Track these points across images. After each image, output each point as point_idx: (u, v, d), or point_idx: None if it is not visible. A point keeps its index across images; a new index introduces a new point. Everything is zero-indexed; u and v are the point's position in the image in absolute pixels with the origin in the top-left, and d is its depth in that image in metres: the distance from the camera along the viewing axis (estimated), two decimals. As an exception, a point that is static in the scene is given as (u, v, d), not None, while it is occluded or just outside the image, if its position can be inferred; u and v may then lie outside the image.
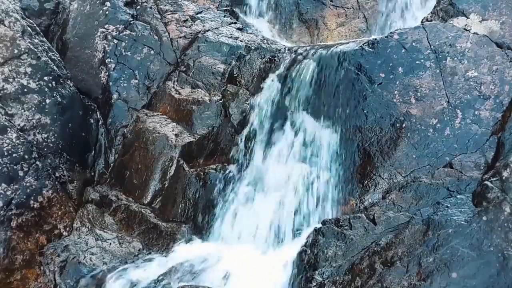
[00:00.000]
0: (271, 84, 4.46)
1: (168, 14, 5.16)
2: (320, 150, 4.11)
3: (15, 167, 4.11)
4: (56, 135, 4.40)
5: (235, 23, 5.29)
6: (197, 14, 5.25)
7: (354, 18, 5.71)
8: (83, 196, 4.49)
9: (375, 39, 4.31)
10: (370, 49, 4.19)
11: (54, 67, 4.53)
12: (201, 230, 4.17)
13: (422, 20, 4.56)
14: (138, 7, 5.16)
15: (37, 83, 4.38)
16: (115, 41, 4.92)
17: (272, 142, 4.28)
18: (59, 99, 4.46)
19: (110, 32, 4.95)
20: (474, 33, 4.17)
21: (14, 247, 4.02)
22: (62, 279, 3.95)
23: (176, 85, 4.80)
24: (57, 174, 4.34)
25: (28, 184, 4.15)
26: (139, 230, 4.26)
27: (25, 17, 4.61)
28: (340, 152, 4.06)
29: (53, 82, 4.46)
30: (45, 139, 4.34)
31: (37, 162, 4.23)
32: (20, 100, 4.30)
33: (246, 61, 4.76)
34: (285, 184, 4.09)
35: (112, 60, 4.87)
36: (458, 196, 3.62)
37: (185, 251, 4.01)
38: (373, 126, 4.04)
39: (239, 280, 3.74)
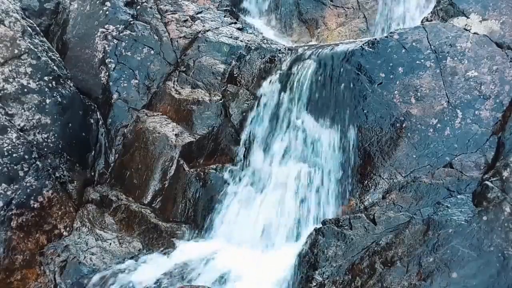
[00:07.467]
0: (272, 84, 4.46)
1: (168, 14, 5.15)
2: (320, 150, 4.11)
3: (15, 167, 4.11)
4: (56, 135, 4.40)
5: (235, 23, 5.29)
6: (197, 14, 5.25)
7: (354, 18, 5.71)
8: (83, 196, 4.49)
9: (375, 39, 4.31)
10: (370, 49, 4.19)
11: (54, 67, 4.53)
12: (201, 230, 4.17)
13: (422, 20, 4.56)
14: (138, 7, 5.16)
15: (37, 83, 4.38)
16: (115, 41, 4.92)
17: (272, 142, 4.28)
18: (59, 99, 4.46)
19: (110, 32, 4.95)
20: (474, 33, 4.17)
21: (14, 247, 4.01)
22: (62, 279, 3.95)
23: (176, 85, 4.80)
24: (57, 174, 4.34)
25: (28, 184, 4.15)
26: (139, 230, 4.26)
27: (25, 17, 4.61)
28: (340, 152, 4.06)
29: (53, 82, 4.46)
30: (45, 139, 4.34)
31: (37, 162, 4.23)
32: (20, 100, 4.30)
33: (246, 61, 4.76)
34: (285, 184, 4.09)
35: (112, 60, 4.87)
36: (458, 196, 3.62)
37: (185, 251, 4.01)
38: (373, 126, 4.04)
39: (239, 280, 3.74)
